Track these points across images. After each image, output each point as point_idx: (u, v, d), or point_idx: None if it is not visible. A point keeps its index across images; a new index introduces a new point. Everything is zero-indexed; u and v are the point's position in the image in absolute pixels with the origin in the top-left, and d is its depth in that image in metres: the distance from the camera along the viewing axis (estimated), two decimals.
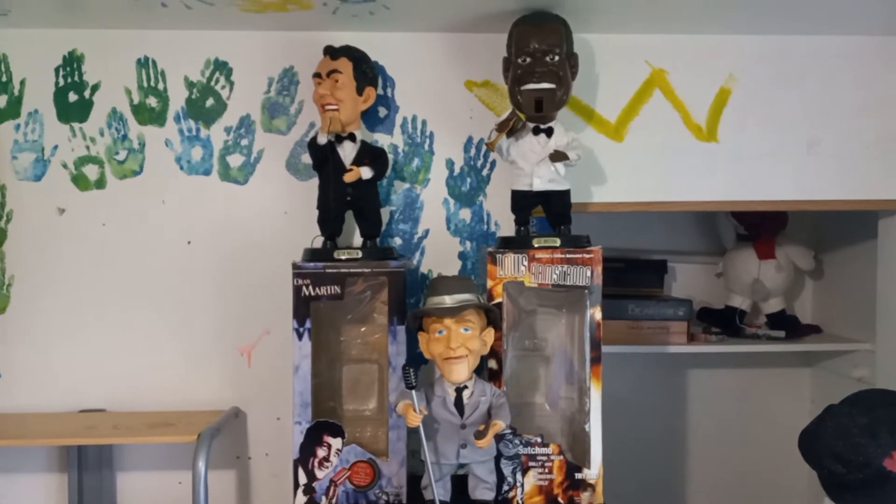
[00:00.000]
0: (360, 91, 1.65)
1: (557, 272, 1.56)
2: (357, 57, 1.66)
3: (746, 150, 1.83)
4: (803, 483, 2.19)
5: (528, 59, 1.57)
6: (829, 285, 2.29)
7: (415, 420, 1.40)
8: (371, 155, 1.67)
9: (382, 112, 1.81)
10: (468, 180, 1.83)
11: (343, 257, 1.61)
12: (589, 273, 1.56)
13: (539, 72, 1.56)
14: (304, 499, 1.57)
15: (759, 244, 2.21)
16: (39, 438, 1.65)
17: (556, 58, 1.57)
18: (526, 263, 1.56)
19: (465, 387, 1.46)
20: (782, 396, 2.28)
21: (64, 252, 1.79)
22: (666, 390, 2.27)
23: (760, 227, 2.23)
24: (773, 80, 1.84)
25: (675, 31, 1.79)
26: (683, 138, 1.82)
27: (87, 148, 1.79)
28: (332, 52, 1.65)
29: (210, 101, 1.80)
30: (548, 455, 1.56)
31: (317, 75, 1.64)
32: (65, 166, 1.79)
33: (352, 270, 1.59)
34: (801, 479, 2.16)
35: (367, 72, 1.67)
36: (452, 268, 1.83)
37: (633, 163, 1.81)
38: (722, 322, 2.23)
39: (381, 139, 1.82)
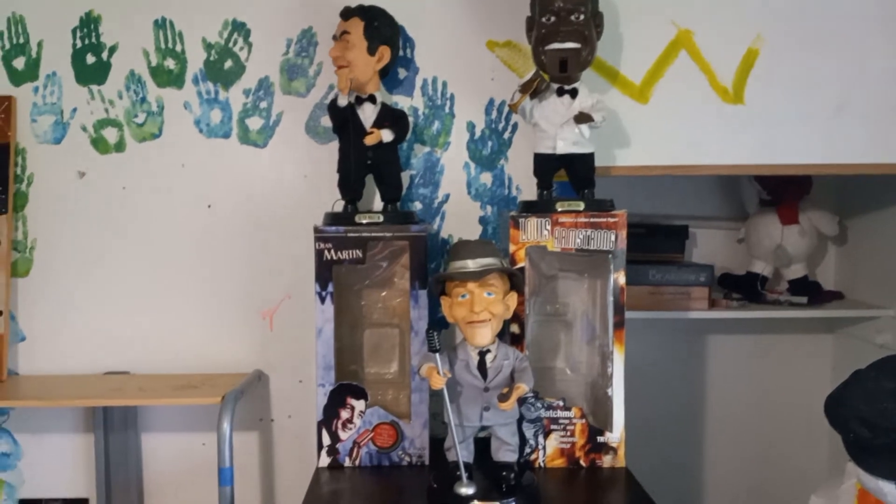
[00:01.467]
0: (372, 51, 1.62)
1: (581, 236, 1.55)
2: (370, 16, 1.63)
3: (773, 112, 1.78)
4: (824, 447, 2.19)
5: (553, 18, 1.53)
6: (852, 251, 2.26)
7: (438, 383, 1.40)
8: (392, 117, 1.65)
9: (402, 73, 1.79)
10: (489, 143, 1.81)
11: (364, 221, 1.60)
12: (613, 237, 1.54)
13: (564, 31, 1.53)
14: (328, 460, 1.59)
15: (782, 209, 2.18)
16: (65, 400, 1.66)
17: (582, 17, 1.53)
18: (549, 227, 1.55)
19: (489, 350, 1.46)
20: (804, 362, 2.26)
21: (85, 215, 1.79)
22: (687, 356, 2.26)
23: (784, 191, 2.19)
24: (801, 41, 1.78)
25: None
26: (709, 100, 1.78)
27: (106, 111, 1.78)
28: (344, 14, 1.63)
29: (228, 63, 1.78)
30: (570, 418, 1.57)
31: (334, 37, 1.62)
32: (84, 129, 1.78)
33: (373, 234, 1.59)
34: (822, 443, 2.16)
35: (380, 30, 1.63)
36: (473, 232, 1.82)
37: (657, 125, 1.77)
38: (743, 288, 2.20)
39: (401, 101, 1.79)
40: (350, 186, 1.65)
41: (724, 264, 2.28)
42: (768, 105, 1.79)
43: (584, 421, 1.57)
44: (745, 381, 2.25)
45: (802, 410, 2.07)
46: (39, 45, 1.76)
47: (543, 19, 1.54)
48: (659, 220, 2.24)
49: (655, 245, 2.18)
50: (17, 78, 1.77)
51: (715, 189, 2.31)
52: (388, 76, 1.74)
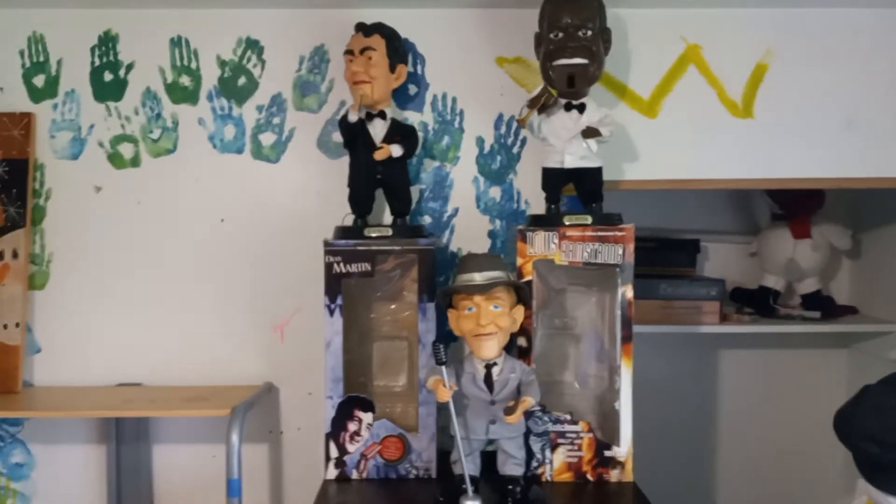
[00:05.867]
0: (392, 68, 1.65)
1: (588, 250, 1.55)
2: (389, 34, 1.66)
3: (783, 126, 1.79)
4: (838, 464, 2.16)
5: (561, 35, 1.55)
6: (866, 265, 2.24)
7: (445, 395, 1.41)
8: (401, 133, 1.67)
9: (413, 90, 1.81)
10: (498, 158, 1.82)
11: (374, 235, 1.62)
12: (621, 251, 1.55)
13: (571, 47, 1.54)
14: (336, 472, 1.60)
15: (794, 223, 2.17)
16: (78, 410, 1.68)
17: (589, 33, 1.55)
18: (556, 241, 1.56)
19: (495, 363, 1.47)
20: (817, 378, 2.25)
21: (101, 230, 1.82)
22: (698, 371, 2.25)
23: (796, 205, 2.18)
24: (811, 55, 1.79)
25: (711, 4, 1.76)
26: (718, 115, 1.79)
27: (122, 127, 1.82)
28: (364, 29, 1.65)
29: (242, 80, 1.81)
30: (577, 432, 1.56)
31: (349, 52, 1.64)
32: (101, 145, 1.82)
33: (382, 248, 1.60)
34: (836, 459, 2.13)
35: (398, 49, 1.67)
36: (482, 246, 1.83)
37: (666, 140, 1.78)
38: (755, 302, 2.20)
39: (412, 117, 1.81)
40: (360, 201, 1.67)
41: (735, 278, 2.28)
42: (778, 119, 1.79)
43: (591, 435, 1.57)
44: (756, 396, 2.24)
45: (816, 426, 2.04)
46: (59, 63, 1.81)
47: (552, 35, 1.56)
48: (670, 234, 2.24)
49: (666, 259, 2.18)
50: (36, 95, 1.81)
51: (726, 203, 2.31)
52: (397, 91, 1.76)
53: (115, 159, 1.82)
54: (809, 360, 2.25)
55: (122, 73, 1.81)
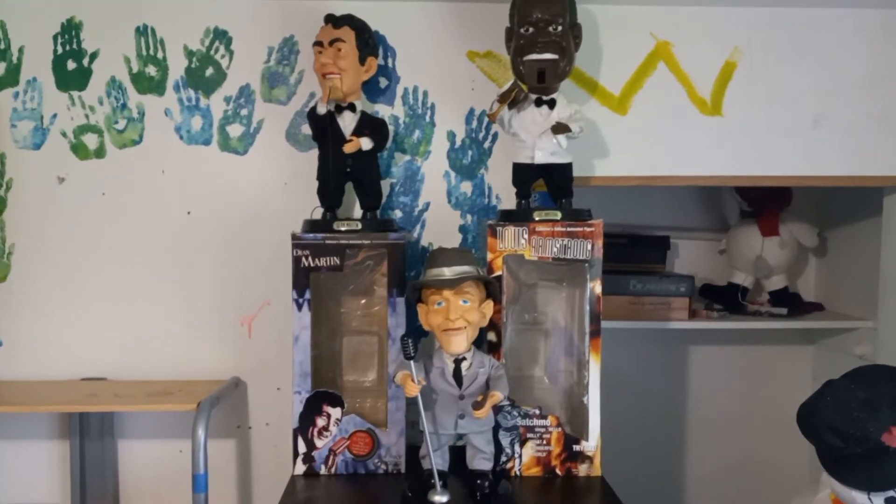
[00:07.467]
0: (362, 61, 1.64)
1: (558, 245, 1.55)
2: (359, 26, 1.65)
3: (751, 124, 1.81)
4: (804, 458, 2.20)
5: (531, 30, 1.55)
6: (832, 263, 2.28)
7: (413, 390, 1.40)
8: (371, 126, 1.66)
9: (383, 83, 1.79)
10: (469, 153, 1.82)
11: (343, 228, 1.60)
12: (590, 246, 1.55)
13: (542, 42, 1.54)
14: (304, 467, 1.58)
15: (762, 221, 2.20)
16: (41, 405, 1.65)
17: (559, 28, 1.55)
18: (526, 236, 1.56)
19: (464, 358, 1.46)
20: (784, 373, 2.28)
21: (64, 221, 1.79)
22: (667, 366, 2.27)
23: (764, 203, 2.21)
24: (779, 54, 1.81)
25: (681, 2, 1.77)
26: (688, 112, 1.80)
27: (87, 117, 1.78)
28: (334, 21, 1.63)
29: (210, 71, 1.78)
30: (546, 427, 1.57)
31: (318, 44, 1.62)
32: (64, 135, 1.78)
33: (351, 242, 1.59)
34: (801, 454, 2.17)
35: (368, 41, 1.66)
36: (453, 241, 1.82)
37: (636, 136, 1.79)
38: (724, 299, 2.22)
39: (382, 110, 1.80)
40: (329, 194, 1.65)
41: (705, 275, 2.30)
42: (746, 117, 1.80)
43: (560, 430, 1.57)
44: (724, 391, 2.26)
45: (782, 422, 2.06)
46: (20, 50, 1.76)
47: (522, 30, 1.55)
48: (640, 231, 2.25)
49: (636, 255, 2.19)
50: None
51: (696, 200, 2.33)
52: (367, 84, 1.74)
53: (79, 150, 1.78)
54: (776, 355, 2.28)
55: (85, 61, 1.77)
